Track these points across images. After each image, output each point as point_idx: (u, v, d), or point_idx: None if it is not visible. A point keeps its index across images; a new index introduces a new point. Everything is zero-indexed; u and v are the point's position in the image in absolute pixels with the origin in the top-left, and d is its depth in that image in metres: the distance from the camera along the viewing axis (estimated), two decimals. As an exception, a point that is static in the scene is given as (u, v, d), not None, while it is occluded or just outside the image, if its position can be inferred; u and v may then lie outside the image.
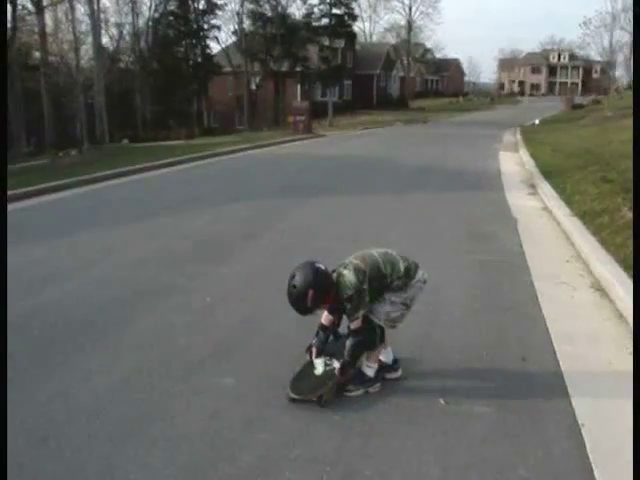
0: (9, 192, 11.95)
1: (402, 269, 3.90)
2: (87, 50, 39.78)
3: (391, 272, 3.87)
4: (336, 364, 3.92)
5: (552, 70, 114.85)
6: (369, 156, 19.24)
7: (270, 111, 49.35)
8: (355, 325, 3.83)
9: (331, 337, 4.13)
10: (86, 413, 3.70)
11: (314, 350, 4.02)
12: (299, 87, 54.29)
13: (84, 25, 39.86)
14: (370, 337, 3.89)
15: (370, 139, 27.19)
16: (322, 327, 4.08)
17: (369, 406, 3.78)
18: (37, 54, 37.64)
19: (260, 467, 3.19)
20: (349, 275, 3.76)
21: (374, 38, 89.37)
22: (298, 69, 51.75)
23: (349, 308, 3.77)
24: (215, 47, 55.87)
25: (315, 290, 3.68)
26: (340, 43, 54.08)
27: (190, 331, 4.94)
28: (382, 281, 3.85)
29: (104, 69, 33.30)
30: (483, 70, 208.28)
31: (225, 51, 54.81)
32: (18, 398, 3.86)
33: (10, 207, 10.77)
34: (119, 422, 3.60)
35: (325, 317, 4.06)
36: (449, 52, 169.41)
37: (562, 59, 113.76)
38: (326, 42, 50.93)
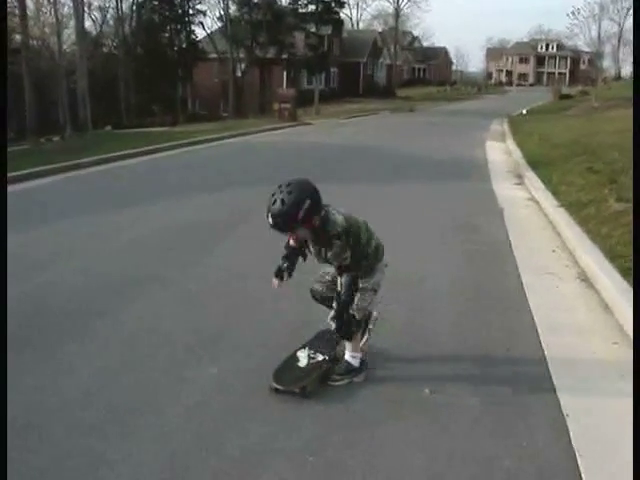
0: None
1: (373, 246, 3.83)
2: (70, 34, 39.33)
3: (366, 242, 3.78)
4: (320, 357, 3.92)
5: (540, 60, 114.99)
6: (354, 145, 19.20)
7: (256, 98, 49.09)
8: (344, 266, 3.71)
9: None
10: (70, 404, 3.66)
11: (286, 274, 3.86)
12: (285, 74, 54.02)
13: (66, 8, 39.43)
14: (346, 329, 3.82)
15: (356, 128, 27.13)
16: (291, 249, 3.91)
17: (353, 395, 3.77)
18: (18, 37, 37.16)
19: (245, 457, 3.17)
20: (339, 216, 3.62)
21: (361, 25, 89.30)
22: (284, 56, 51.41)
23: (337, 245, 3.58)
24: (200, 33, 55.31)
25: (311, 202, 3.46)
26: (327, 30, 53.75)
27: (175, 321, 4.90)
28: (356, 247, 3.70)
29: (87, 53, 32.94)
30: (471, 59, 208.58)
31: (210, 37, 54.39)
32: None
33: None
34: (104, 413, 3.56)
35: (293, 240, 3.87)
36: (437, 41, 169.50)
37: (550, 49, 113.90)
38: (313, 29, 50.57)
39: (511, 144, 17.88)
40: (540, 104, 47.23)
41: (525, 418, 3.52)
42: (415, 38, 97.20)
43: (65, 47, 39.22)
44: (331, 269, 3.87)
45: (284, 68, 52.85)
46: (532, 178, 11.23)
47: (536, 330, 4.70)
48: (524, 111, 37.32)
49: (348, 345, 3.95)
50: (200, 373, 4.02)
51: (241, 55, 51.87)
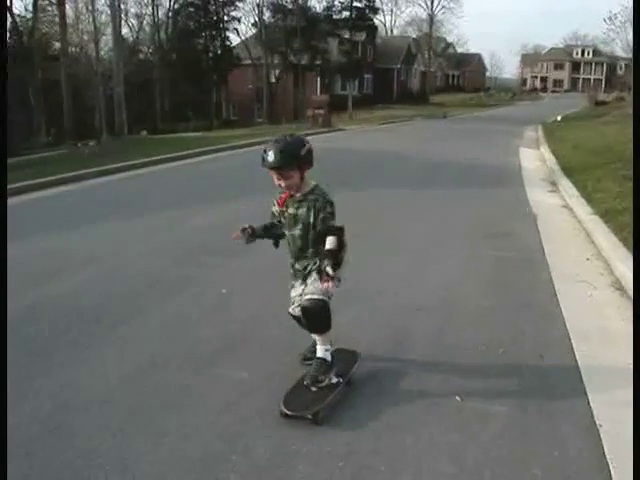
0: (28, 182, 12.06)
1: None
2: (107, 41, 40.01)
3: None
4: (335, 379, 3.78)
5: (575, 66, 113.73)
6: (387, 150, 19.16)
7: (289, 104, 49.31)
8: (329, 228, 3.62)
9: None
10: (98, 403, 3.69)
11: (248, 232, 3.86)
12: (319, 80, 54.21)
13: (104, 16, 40.02)
14: (328, 319, 3.72)
15: (389, 134, 27.08)
16: (270, 223, 3.92)
17: (382, 402, 3.74)
18: (57, 44, 37.78)
19: (273, 461, 3.17)
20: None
21: (395, 32, 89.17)
22: (318, 62, 51.60)
23: (329, 211, 3.61)
24: (235, 39, 55.79)
25: (309, 148, 3.61)
26: (361, 36, 53.85)
27: (204, 323, 4.93)
28: None
29: (123, 60, 33.35)
30: (505, 65, 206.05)
31: (245, 43, 54.76)
32: (31, 387, 3.87)
33: (26, 197, 10.86)
34: (131, 413, 3.59)
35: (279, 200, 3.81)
36: (471, 47, 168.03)
37: (586, 55, 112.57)
38: (347, 35, 50.67)
39: (545, 151, 17.69)
40: (575, 111, 46.67)
41: (557, 427, 3.47)
42: (449, 44, 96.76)
43: (102, 54, 39.82)
44: (300, 289, 3.77)
45: (318, 74, 53.05)
46: (566, 185, 11.10)
47: (569, 338, 4.63)
48: (559, 118, 36.91)
49: (320, 338, 3.80)
50: (228, 376, 4.02)
51: (275, 61, 52.17)
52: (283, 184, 3.63)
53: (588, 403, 3.69)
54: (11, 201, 10.57)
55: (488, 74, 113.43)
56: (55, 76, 34.87)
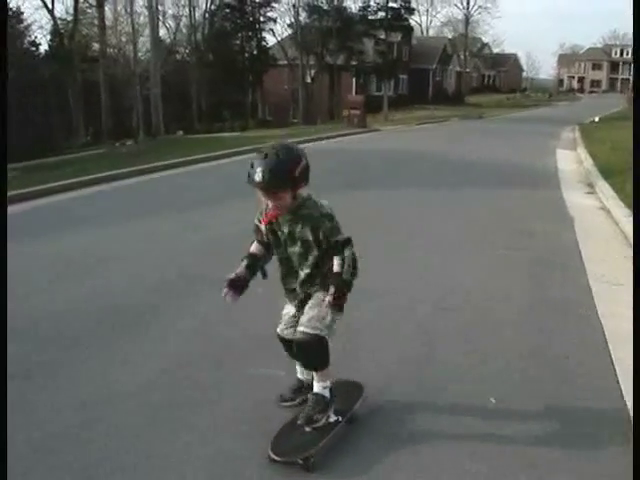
0: (68, 181, 12.30)
1: None
2: (144, 42, 40.33)
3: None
4: (333, 418, 3.33)
5: (614, 66, 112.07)
6: (423, 151, 19.08)
7: (325, 105, 49.38)
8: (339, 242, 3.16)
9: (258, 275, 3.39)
10: (130, 398, 3.76)
11: (233, 275, 3.30)
12: (354, 81, 54.18)
13: (142, 17, 40.45)
14: (324, 355, 3.29)
15: (425, 134, 26.98)
16: (249, 254, 3.39)
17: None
18: (96, 46, 38.31)
19: (295, 467, 3.11)
20: (323, 201, 3.26)
21: (431, 32, 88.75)
22: (353, 63, 51.60)
23: (329, 226, 3.14)
24: (271, 40, 56.05)
25: (306, 163, 3.10)
26: (396, 37, 53.69)
27: (240, 321, 4.98)
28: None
29: (160, 60, 33.73)
30: (542, 65, 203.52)
31: (281, 44, 54.98)
32: (65, 379, 3.97)
33: (64, 196, 11.07)
34: (162, 408, 3.65)
35: (254, 247, 3.38)
36: (507, 47, 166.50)
37: (625, 54, 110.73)
38: (382, 35, 50.52)
39: (582, 152, 17.49)
40: (613, 111, 46.02)
41: (593, 430, 3.45)
42: (485, 45, 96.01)
43: (140, 55, 40.27)
44: (293, 310, 3.38)
45: (353, 74, 53.03)
46: (603, 187, 10.97)
47: (606, 342, 4.59)
48: (596, 119, 36.43)
49: (317, 374, 3.34)
50: (261, 374, 4.02)
51: (311, 62, 52.25)
52: (272, 205, 3.16)
53: (626, 408, 3.65)
54: (50, 200, 10.80)
55: (524, 74, 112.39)
56: (94, 77, 35.37)
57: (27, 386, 3.89)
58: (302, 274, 3.28)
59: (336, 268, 3.13)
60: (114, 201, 11.01)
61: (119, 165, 14.57)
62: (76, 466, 3.12)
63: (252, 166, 3.04)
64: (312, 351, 3.25)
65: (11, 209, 9.90)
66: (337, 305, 3.12)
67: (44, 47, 43.24)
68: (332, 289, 3.10)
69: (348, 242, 3.16)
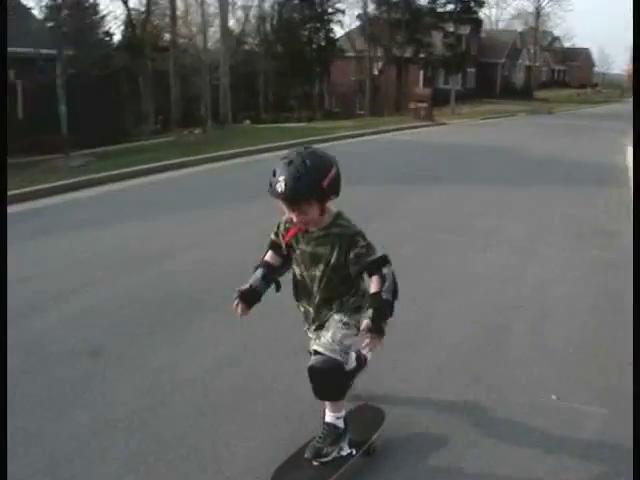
0: (141, 167, 12.58)
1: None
2: (214, 32, 40.77)
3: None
4: (346, 450, 3.00)
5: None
6: (490, 146, 18.86)
7: (391, 97, 49.10)
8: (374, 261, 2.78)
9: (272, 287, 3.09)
10: (193, 385, 3.82)
11: (246, 286, 3.01)
12: (422, 73, 53.74)
13: (212, 8, 40.91)
14: (342, 387, 2.99)
15: (492, 129, 26.61)
16: (264, 263, 3.09)
17: (478, 403, 3.59)
18: (167, 36, 38.90)
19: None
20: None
21: (500, 25, 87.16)
22: (421, 55, 51.13)
23: (364, 246, 2.78)
24: (338, 31, 55.95)
25: (337, 172, 2.75)
26: (465, 30, 52.92)
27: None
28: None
29: (230, 51, 34.03)
30: (614, 60, 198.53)
31: (348, 35, 54.86)
32: (130, 366, 4.07)
33: (136, 182, 11.33)
34: (223, 395, 3.71)
35: (270, 256, 3.11)
36: (579, 41, 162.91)
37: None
38: (451, 28, 49.86)
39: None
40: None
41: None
42: (555, 38, 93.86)
43: (209, 45, 40.74)
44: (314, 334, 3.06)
45: (421, 67, 52.59)
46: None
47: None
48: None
49: (331, 405, 3.01)
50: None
51: (378, 54, 51.97)
52: (296, 219, 2.81)
53: None
54: (122, 185, 11.06)
55: (596, 69, 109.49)
56: (164, 66, 35.94)
57: (94, 371, 4.00)
58: (318, 298, 2.95)
59: (374, 288, 2.72)
60: (182, 188, 11.19)
61: (188, 153, 14.78)
62: (126, 453, 3.18)
63: (274, 174, 2.69)
64: (326, 379, 2.85)
65: (85, 193, 10.21)
66: (377, 332, 2.62)
67: (117, 37, 44.34)
68: (370, 311, 2.65)
69: (385, 260, 2.77)
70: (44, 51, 20.14)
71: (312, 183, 2.64)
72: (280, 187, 2.64)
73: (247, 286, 3.00)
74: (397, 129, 24.18)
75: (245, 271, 2.97)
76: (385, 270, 2.73)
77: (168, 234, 7.45)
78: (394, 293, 2.71)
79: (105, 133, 19.96)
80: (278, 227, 3.02)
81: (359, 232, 2.82)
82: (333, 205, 2.86)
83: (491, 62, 64.03)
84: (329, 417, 2.99)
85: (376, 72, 52.78)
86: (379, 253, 2.77)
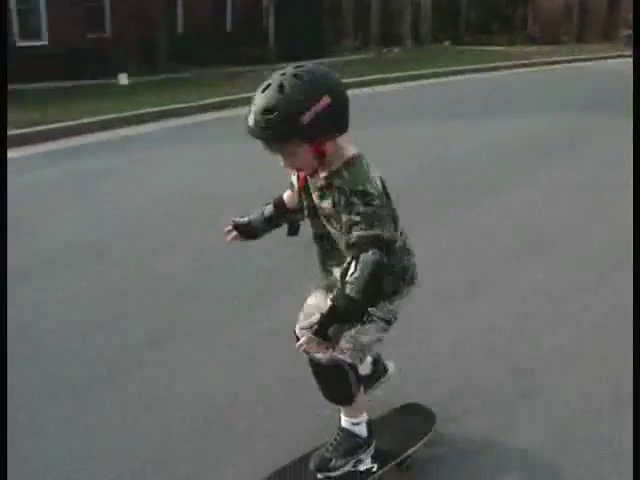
0: (352, 79, 12.93)
1: (404, 246, 2.21)
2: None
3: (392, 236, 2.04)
4: (365, 466, 2.37)
5: None
6: None
7: (601, 23, 45.95)
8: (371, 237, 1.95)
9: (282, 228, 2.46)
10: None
11: (244, 220, 2.45)
12: (638, -2, 49.72)
13: None
14: (343, 389, 2.30)
15: None
16: (277, 203, 2.46)
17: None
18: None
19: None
20: (374, 173, 2.03)
21: None
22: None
23: (359, 212, 1.94)
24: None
25: (333, 102, 1.90)
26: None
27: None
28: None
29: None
30: None
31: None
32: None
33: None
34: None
35: (288, 195, 2.41)
36: None
37: None
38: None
39: None
40: None
41: None
42: None
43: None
44: (316, 301, 2.35)
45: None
46: None
47: None
48: None
49: (346, 410, 2.40)
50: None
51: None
52: (283, 163, 2.06)
53: None
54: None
55: None
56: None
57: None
58: (326, 260, 2.26)
59: (342, 276, 1.97)
60: (381, 103, 11.40)
61: (387, 70, 14.94)
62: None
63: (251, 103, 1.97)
64: (325, 378, 2.31)
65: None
66: (316, 334, 1.97)
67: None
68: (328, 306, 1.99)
69: (376, 242, 1.93)
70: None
71: (288, 117, 1.87)
72: (250, 120, 1.92)
73: (245, 220, 2.45)
74: (602, 57, 22.71)
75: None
76: (367, 256, 1.91)
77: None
78: (365, 291, 1.92)
79: (308, 46, 20.53)
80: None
81: (361, 191, 1.96)
82: (349, 143, 2.08)
83: None
84: (344, 421, 2.39)
85: (587, -5, 49.44)
86: (375, 231, 1.93)
